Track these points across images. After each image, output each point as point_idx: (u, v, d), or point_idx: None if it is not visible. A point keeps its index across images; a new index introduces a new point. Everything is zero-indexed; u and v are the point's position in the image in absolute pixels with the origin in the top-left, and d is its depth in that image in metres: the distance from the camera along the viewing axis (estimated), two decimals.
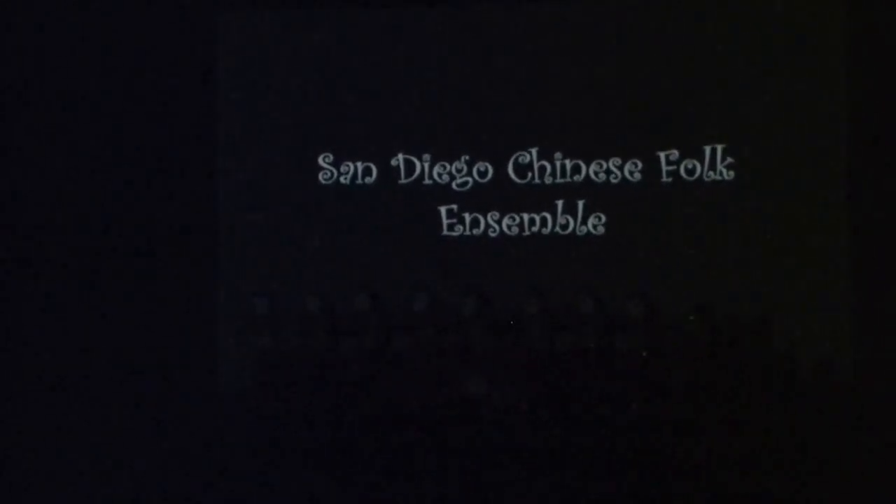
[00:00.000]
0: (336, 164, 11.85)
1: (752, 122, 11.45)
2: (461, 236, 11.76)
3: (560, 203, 11.68)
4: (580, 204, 11.66)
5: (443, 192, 11.78)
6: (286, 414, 10.92)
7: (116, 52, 12.08)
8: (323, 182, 11.84)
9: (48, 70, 12.18)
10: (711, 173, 11.53)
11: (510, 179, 11.70)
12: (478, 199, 11.72)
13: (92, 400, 11.42)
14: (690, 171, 11.55)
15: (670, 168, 11.57)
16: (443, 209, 11.77)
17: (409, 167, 11.80)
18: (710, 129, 11.51)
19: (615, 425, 10.58)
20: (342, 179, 11.85)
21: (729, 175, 11.51)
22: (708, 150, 11.53)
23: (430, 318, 11.38)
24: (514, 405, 10.81)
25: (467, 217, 11.75)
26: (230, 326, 11.75)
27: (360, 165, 11.83)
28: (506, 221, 11.71)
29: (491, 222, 11.73)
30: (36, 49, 12.16)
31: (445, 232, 11.77)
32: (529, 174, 11.71)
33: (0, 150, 12.26)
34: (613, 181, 11.63)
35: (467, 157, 11.74)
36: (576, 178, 11.66)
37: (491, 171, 11.72)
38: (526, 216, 11.71)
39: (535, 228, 11.70)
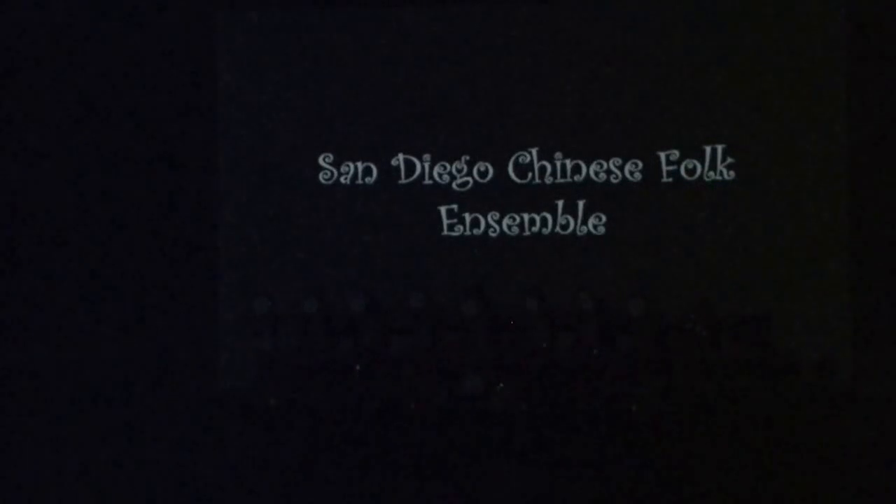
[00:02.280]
0: (336, 164, 11.86)
1: (752, 122, 11.47)
2: (461, 236, 11.77)
3: (560, 203, 11.69)
4: (580, 204, 11.67)
5: (443, 192, 11.79)
6: (286, 413, 10.92)
7: (117, 53, 12.10)
8: (323, 182, 11.85)
9: (49, 71, 12.19)
10: (711, 173, 11.54)
11: (510, 179, 11.70)
12: (478, 199, 11.74)
13: (93, 399, 11.44)
14: (690, 171, 11.56)
15: (670, 168, 11.58)
16: (443, 209, 11.78)
17: (410, 167, 11.81)
18: (710, 129, 11.53)
19: (615, 424, 10.58)
20: (342, 179, 11.86)
21: (729, 175, 11.52)
22: (708, 150, 11.54)
23: (430, 317, 11.38)
24: (513, 405, 10.80)
25: (467, 217, 11.76)
26: (230, 326, 11.77)
27: (360, 165, 11.84)
28: (506, 221, 11.72)
29: (491, 222, 11.74)
30: (36, 51, 12.17)
31: (445, 232, 11.78)
32: (530, 174, 11.71)
33: (1, 151, 12.30)
34: (613, 181, 11.64)
35: (467, 157, 11.75)
36: (576, 178, 11.67)
37: (491, 171, 11.73)
38: (526, 216, 11.71)
39: (535, 228, 11.71)
